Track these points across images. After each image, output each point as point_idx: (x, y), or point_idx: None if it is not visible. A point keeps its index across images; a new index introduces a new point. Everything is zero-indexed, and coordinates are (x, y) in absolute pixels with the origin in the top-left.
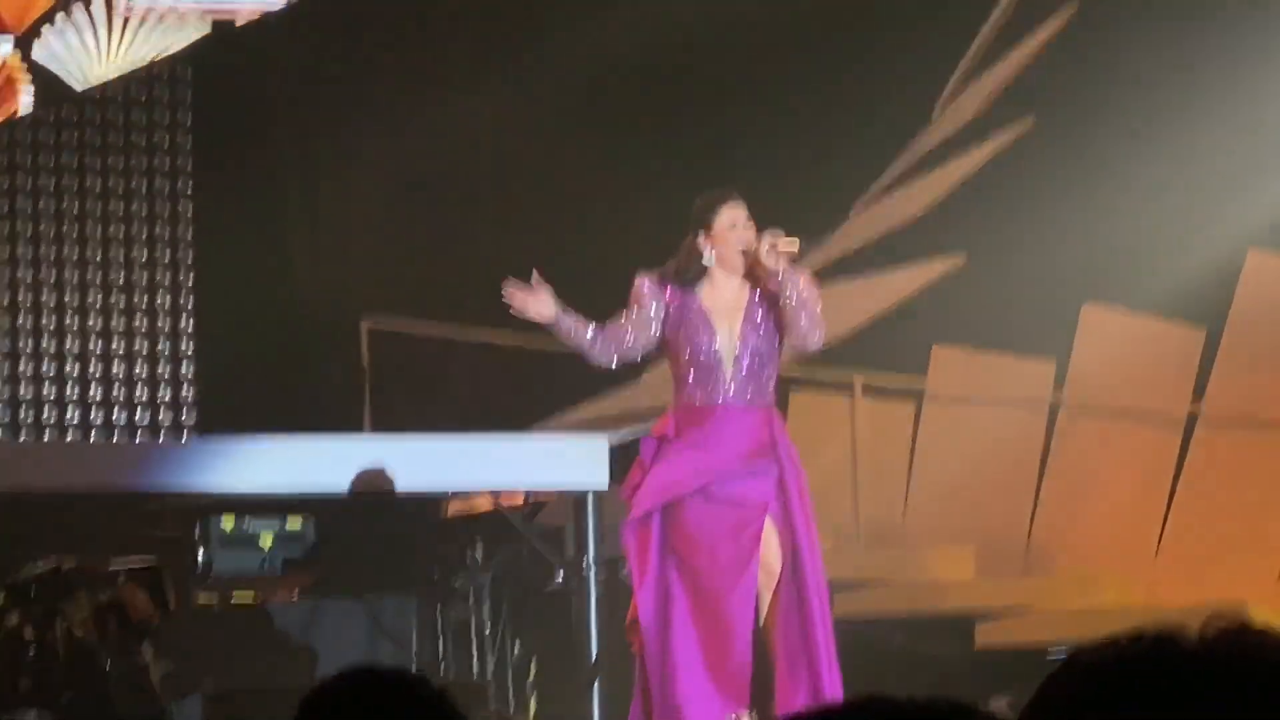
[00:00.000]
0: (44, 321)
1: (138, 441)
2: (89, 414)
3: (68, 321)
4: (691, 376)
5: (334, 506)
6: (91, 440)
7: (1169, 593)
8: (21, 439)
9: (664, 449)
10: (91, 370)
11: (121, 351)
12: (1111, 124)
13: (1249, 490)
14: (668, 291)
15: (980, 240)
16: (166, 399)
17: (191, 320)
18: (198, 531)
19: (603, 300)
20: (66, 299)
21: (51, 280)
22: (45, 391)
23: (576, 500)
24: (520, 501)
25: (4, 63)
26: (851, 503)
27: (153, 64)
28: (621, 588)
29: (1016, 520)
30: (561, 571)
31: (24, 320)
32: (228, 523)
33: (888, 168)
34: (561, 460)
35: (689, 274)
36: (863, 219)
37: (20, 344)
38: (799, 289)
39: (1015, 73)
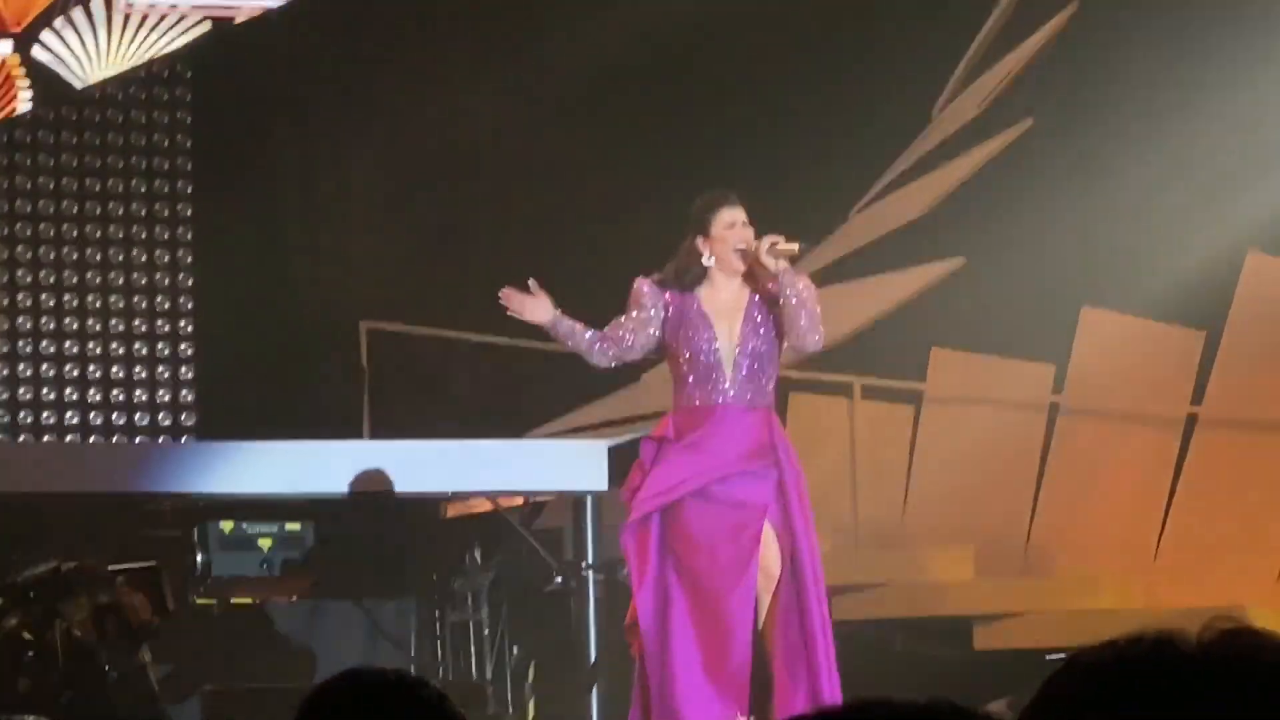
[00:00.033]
0: (43, 323)
1: (137, 443)
2: (88, 416)
3: (67, 323)
4: (691, 378)
5: (333, 509)
6: (91, 442)
7: (1168, 594)
8: (21, 440)
9: (664, 451)
10: (91, 372)
11: (121, 353)
12: (1111, 126)
13: (1248, 492)
14: (667, 293)
15: (979, 242)
16: (166, 400)
17: (191, 322)
18: (197, 533)
19: (602, 302)
20: (65, 300)
21: (51, 281)
22: (45, 393)
23: (575, 502)
24: (519, 504)
25: (3, 62)
26: (850, 505)
27: (152, 64)
28: (620, 589)
29: (1016, 522)
30: (560, 573)
31: (23, 322)
32: (227, 525)
33: (887, 169)
34: (560, 463)
35: (688, 276)
36: (862, 221)
37: (19, 345)
38: (799, 290)
39: (1014, 74)
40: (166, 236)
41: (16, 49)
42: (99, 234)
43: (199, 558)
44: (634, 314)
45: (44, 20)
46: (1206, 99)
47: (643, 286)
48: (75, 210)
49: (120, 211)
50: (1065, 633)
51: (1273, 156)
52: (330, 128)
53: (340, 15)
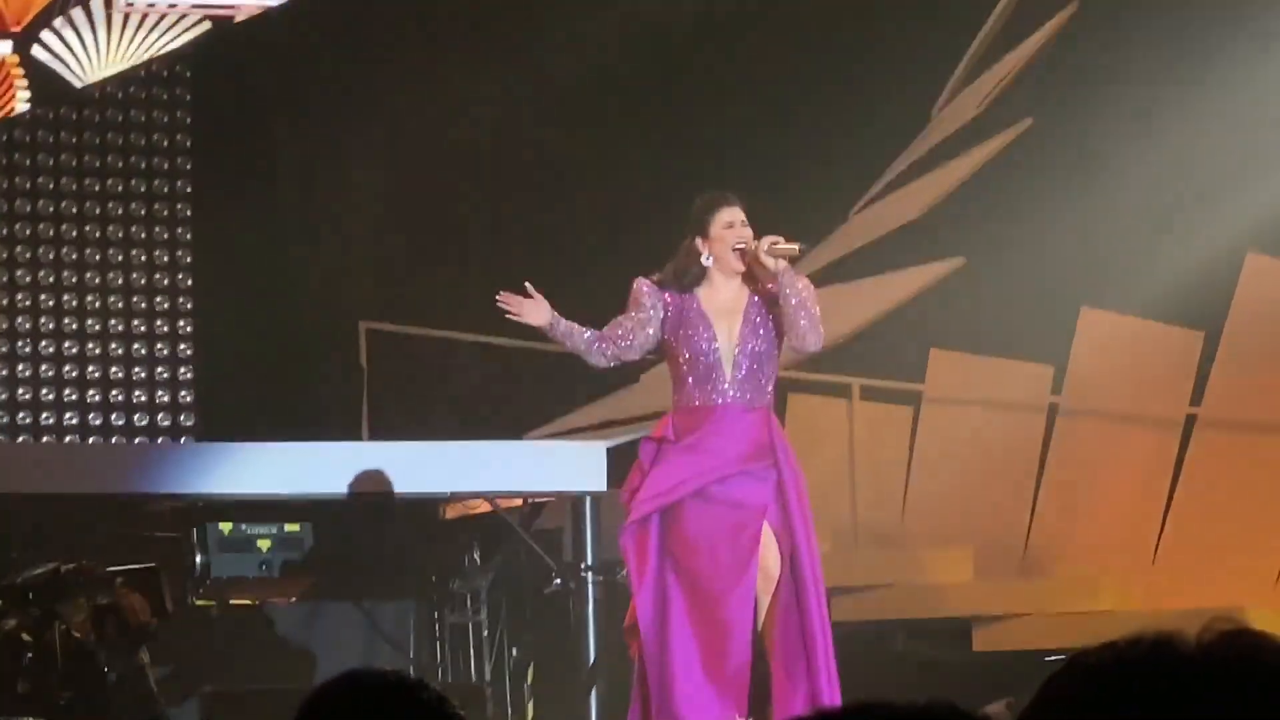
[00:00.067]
0: (42, 323)
1: (136, 444)
2: (87, 416)
3: (66, 323)
4: (690, 378)
5: (332, 510)
6: (90, 443)
7: (1167, 596)
8: (20, 441)
9: (663, 451)
10: (90, 372)
11: (120, 354)
12: (1110, 126)
13: (1247, 493)
14: (666, 293)
15: (979, 243)
16: (165, 401)
17: (190, 322)
18: (196, 534)
19: (602, 302)
20: (65, 300)
21: (50, 282)
22: (44, 394)
23: (574, 503)
24: (518, 505)
25: (2, 61)
26: (850, 505)
27: (151, 63)
28: (620, 591)
29: (1015, 523)
30: (559, 574)
31: (22, 322)
32: (226, 526)
33: (886, 169)
34: (559, 464)
35: (687, 276)
36: (861, 221)
37: (19, 345)
38: (798, 290)
39: (1014, 74)
40: (166, 237)
41: (16, 48)
42: (98, 234)
43: (198, 559)
44: (633, 314)
45: (44, 19)
46: (1206, 100)
47: (642, 286)
48: (74, 210)
49: (119, 211)
50: (1064, 634)
51: (1272, 157)
52: (330, 128)
53: (340, 15)
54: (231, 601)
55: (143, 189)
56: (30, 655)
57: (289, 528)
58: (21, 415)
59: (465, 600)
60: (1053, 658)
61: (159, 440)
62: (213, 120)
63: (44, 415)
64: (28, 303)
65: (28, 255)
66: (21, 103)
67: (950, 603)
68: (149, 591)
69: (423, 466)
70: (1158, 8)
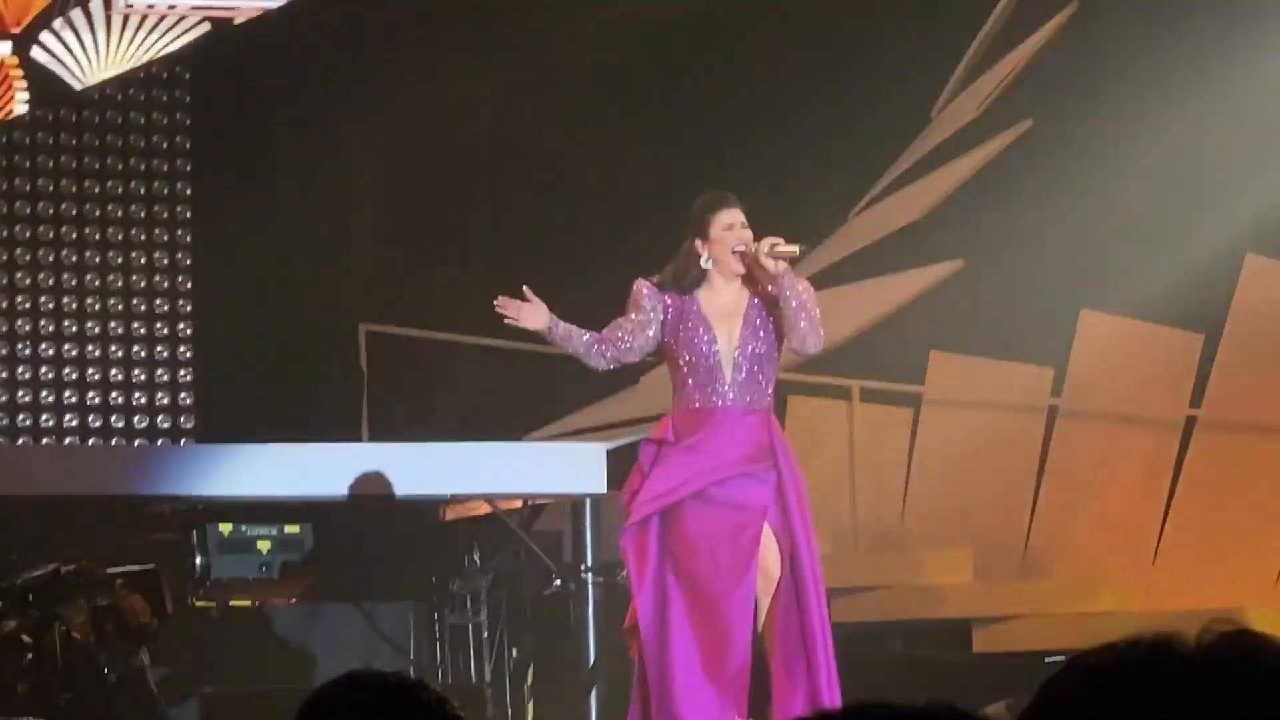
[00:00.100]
0: (42, 325)
1: (136, 446)
2: (87, 418)
3: (66, 325)
4: (690, 380)
5: (332, 511)
6: (90, 445)
7: (1167, 597)
8: (20, 443)
9: (663, 453)
10: (90, 374)
11: (120, 355)
12: (1110, 127)
13: (1247, 495)
14: (666, 296)
15: (979, 245)
16: (165, 403)
17: (190, 324)
18: (196, 536)
19: (602, 304)
20: (65, 302)
21: (50, 284)
22: (44, 396)
23: (574, 505)
24: (518, 506)
25: (1, 62)
26: (849, 507)
27: (151, 65)
28: (619, 592)
29: (1015, 525)
30: (559, 576)
31: (22, 324)
32: (226, 527)
33: (886, 171)
34: (559, 465)
35: (687, 278)
36: (861, 223)
37: (18, 348)
38: (799, 292)
39: (1014, 75)
40: (166, 238)
41: (15, 50)
42: (98, 236)
43: (198, 560)
44: (633, 316)
45: (43, 21)
46: (1205, 101)
47: (642, 288)
48: (74, 212)
49: (119, 214)
50: (1064, 635)
51: (1272, 158)
52: (330, 129)
53: (340, 15)
54: (231, 603)
55: (142, 191)
56: (30, 656)
57: (289, 529)
58: (22, 417)
59: (465, 601)
60: (1052, 659)
61: (159, 442)
62: (212, 122)
63: (44, 417)
64: (28, 305)
65: (27, 257)
66: (21, 104)
67: (950, 604)
68: (149, 593)
69: (423, 468)
70: (1157, 8)
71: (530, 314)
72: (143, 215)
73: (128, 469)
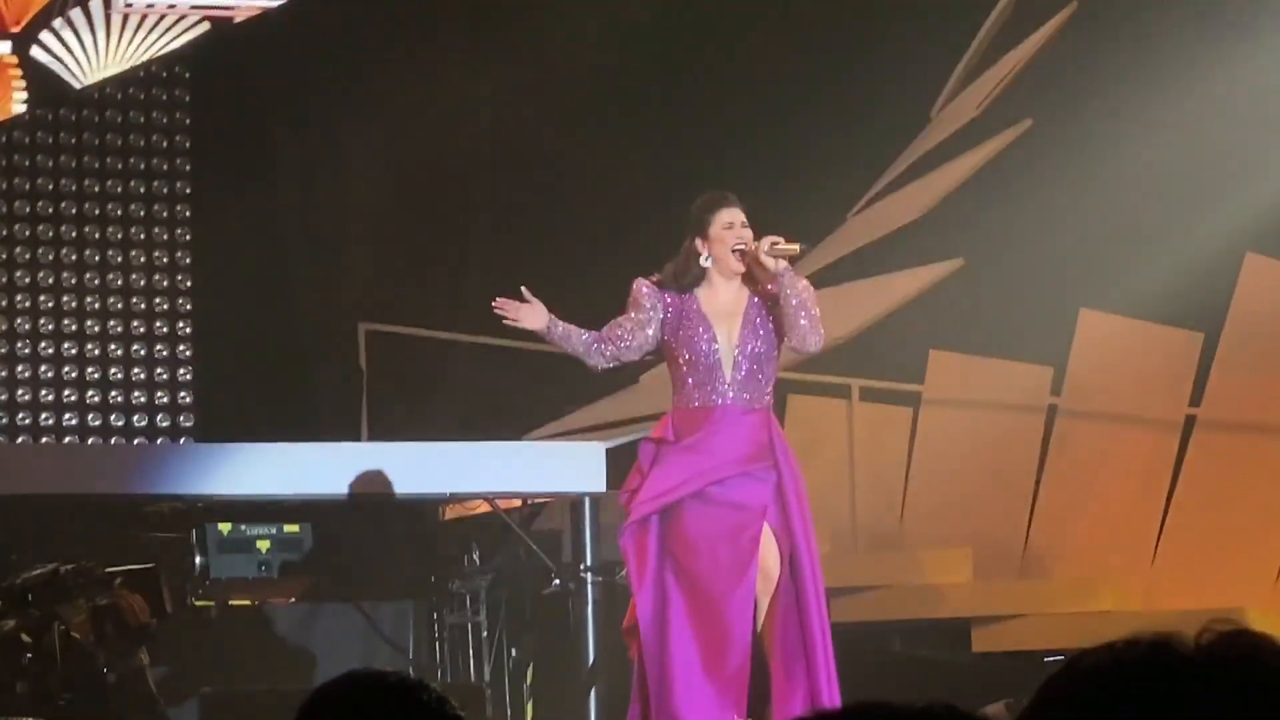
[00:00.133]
0: (41, 324)
1: (135, 445)
2: (86, 417)
3: (65, 324)
4: (690, 379)
5: (331, 510)
6: (89, 444)
7: (1166, 597)
8: (19, 442)
9: (662, 453)
10: (89, 373)
11: (119, 354)
12: (1110, 126)
13: (1247, 495)
14: (666, 295)
15: (978, 244)
16: (164, 402)
17: (189, 323)
18: (195, 535)
19: (602, 303)
20: (64, 301)
21: (49, 283)
22: (43, 395)
23: (574, 504)
24: (517, 505)
25: (1, 62)
26: (849, 507)
27: (150, 64)
28: (619, 592)
29: (1014, 524)
30: (559, 575)
31: (21, 323)
32: (225, 526)
33: (886, 171)
34: (558, 464)
35: (687, 277)
36: (860, 222)
37: (18, 347)
38: (799, 291)
39: (1013, 74)
40: (165, 238)
41: (15, 49)
42: (97, 235)
43: (197, 559)
44: (632, 315)
45: (42, 20)
46: (1205, 100)
47: (641, 288)
48: (73, 211)
49: (118, 213)
50: (1063, 635)
51: (1271, 158)
52: (329, 128)
53: (340, 15)
54: (231, 602)
55: (142, 190)
56: (30, 656)
57: (288, 528)
58: (21, 416)
59: (465, 601)
60: (1052, 658)
61: (158, 441)
62: (212, 121)
63: (43, 416)
64: (27, 304)
65: (27, 256)
66: (20, 104)
67: (949, 603)
68: (148, 592)
69: (422, 467)
70: (1157, 8)
71: (529, 315)
72: (142, 215)
73: (127, 468)
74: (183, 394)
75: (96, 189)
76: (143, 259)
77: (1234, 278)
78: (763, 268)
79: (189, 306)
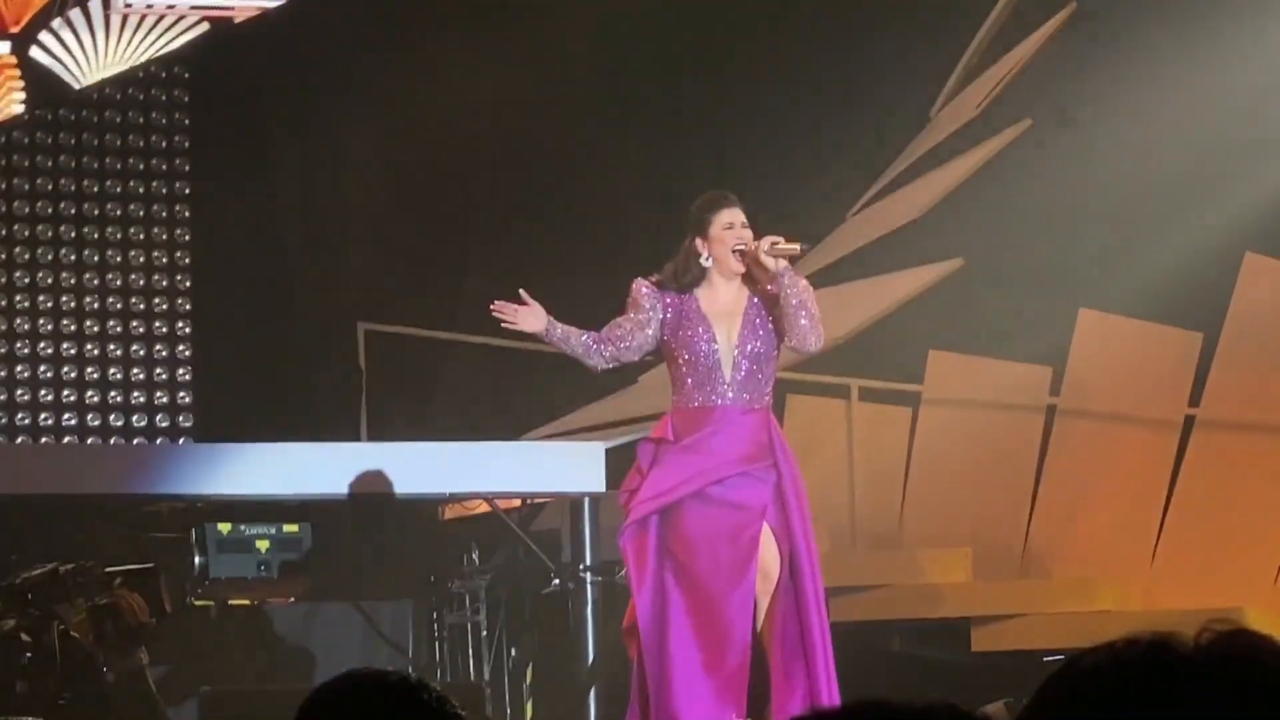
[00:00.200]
0: (41, 324)
1: (134, 445)
2: (86, 417)
3: (64, 324)
4: (690, 380)
5: (331, 510)
6: (88, 444)
7: (1166, 597)
8: (19, 442)
9: (662, 453)
10: (88, 373)
11: (118, 355)
12: (1109, 127)
13: (1246, 494)
14: (666, 295)
15: (977, 244)
16: (163, 402)
17: (188, 323)
18: (195, 535)
19: (601, 303)
20: (63, 301)
21: (48, 283)
22: (42, 395)
23: (573, 504)
24: (517, 505)
25: None
26: (848, 506)
27: (149, 64)
28: (618, 591)
29: (1013, 524)
30: (558, 575)
31: (21, 323)
32: (224, 526)
33: (885, 170)
34: (558, 464)
35: (686, 277)
36: (860, 222)
37: (17, 346)
38: (799, 290)
39: (1013, 74)
40: (164, 238)
41: (14, 49)
42: (96, 235)
43: (197, 559)
44: (632, 315)
45: (42, 21)
46: (1204, 100)
47: (641, 288)
48: (73, 211)
49: (118, 213)
50: (1063, 635)
51: (1271, 157)
52: (329, 128)
53: (340, 15)
54: (230, 602)
55: (141, 190)
56: (29, 656)
57: (288, 528)
58: (20, 416)
59: (464, 600)
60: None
61: (158, 441)
62: (211, 121)
63: (43, 416)
64: (26, 304)
65: (26, 256)
66: (18, 104)
67: (949, 603)
68: (147, 592)
69: (421, 467)
70: (1156, 8)
71: (527, 317)
72: (141, 214)
73: (126, 468)
74: (182, 394)
75: (96, 189)
76: (142, 259)
77: (1233, 277)
78: (762, 268)
79: (188, 306)
